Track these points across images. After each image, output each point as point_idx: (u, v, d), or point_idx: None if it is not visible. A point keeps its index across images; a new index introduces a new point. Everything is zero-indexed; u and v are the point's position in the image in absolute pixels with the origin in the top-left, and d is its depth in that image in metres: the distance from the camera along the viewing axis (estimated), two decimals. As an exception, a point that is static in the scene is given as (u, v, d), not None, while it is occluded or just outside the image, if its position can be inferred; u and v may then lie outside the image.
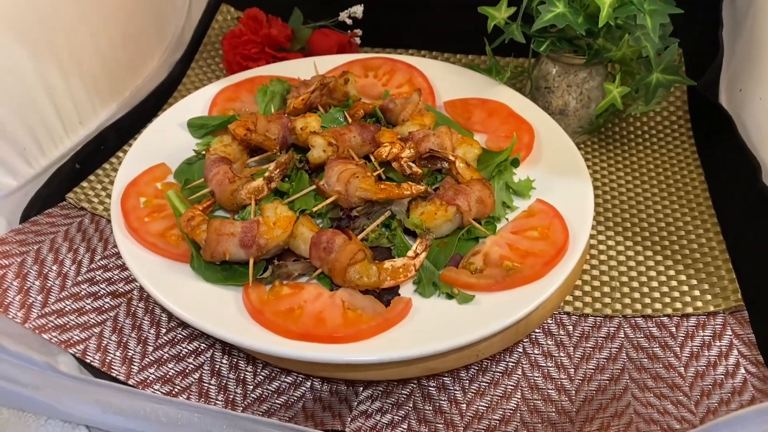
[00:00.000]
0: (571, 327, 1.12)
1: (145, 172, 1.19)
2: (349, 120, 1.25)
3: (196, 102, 1.36)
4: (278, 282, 1.02)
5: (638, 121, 1.53)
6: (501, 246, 1.07)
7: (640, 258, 1.22)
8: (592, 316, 1.13)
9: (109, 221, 1.23)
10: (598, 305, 1.14)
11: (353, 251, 1.00)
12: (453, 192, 1.08)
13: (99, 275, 1.16)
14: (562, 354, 1.08)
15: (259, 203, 1.09)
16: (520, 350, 1.08)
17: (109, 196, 1.29)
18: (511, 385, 1.04)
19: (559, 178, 1.19)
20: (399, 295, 1.02)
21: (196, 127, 1.29)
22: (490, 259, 1.05)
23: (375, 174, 1.12)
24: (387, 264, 1.02)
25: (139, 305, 1.12)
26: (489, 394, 1.03)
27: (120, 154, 1.40)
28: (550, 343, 1.10)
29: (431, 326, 0.96)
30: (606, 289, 1.17)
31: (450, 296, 1.01)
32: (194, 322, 0.96)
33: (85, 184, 1.32)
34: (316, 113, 1.27)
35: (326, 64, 1.45)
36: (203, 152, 1.23)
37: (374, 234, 1.07)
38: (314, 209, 1.08)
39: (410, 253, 1.03)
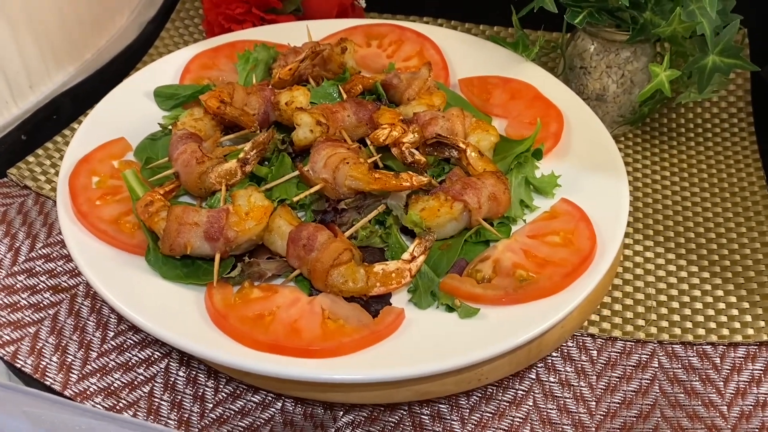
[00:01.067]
0: (595, 352, 1.10)
1: (101, 147, 1.18)
2: (344, 96, 1.24)
3: (167, 68, 1.36)
4: (248, 283, 1.01)
5: (690, 112, 1.51)
6: (515, 252, 1.06)
7: (683, 274, 1.20)
8: (621, 340, 1.11)
9: (56, 203, 1.22)
10: (629, 328, 1.13)
11: (338, 251, 0.99)
12: (461, 186, 1.07)
13: (39, 266, 1.15)
14: (582, 384, 1.06)
15: (231, 189, 1.08)
16: (533, 376, 1.07)
17: (58, 173, 1.28)
18: (520, 418, 1.02)
19: (590, 175, 1.17)
20: (390, 304, 1.00)
21: (165, 97, 1.29)
22: (500, 266, 1.04)
23: (370, 161, 1.11)
24: (378, 267, 1.01)
25: (85, 303, 1.11)
26: (492, 426, 1.01)
27: (75, 125, 1.39)
28: (569, 369, 1.08)
29: (426, 343, 0.95)
30: (640, 309, 1.15)
31: (450, 308, 0.99)
32: (146, 326, 0.95)
33: (30, 158, 1.32)
34: (306, 86, 1.26)
35: (323, 29, 1.44)
36: (170, 127, 1.22)
37: (365, 231, 1.06)
38: (295, 199, 1.07)
39: (406, 255, 1.02)
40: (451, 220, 1.06)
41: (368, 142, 1.18)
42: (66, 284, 1.13)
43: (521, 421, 1.02)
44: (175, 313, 0.97)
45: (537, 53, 1.39)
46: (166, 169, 1.14)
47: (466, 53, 1.41)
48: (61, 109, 1.39)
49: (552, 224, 1.10)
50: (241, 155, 1.10)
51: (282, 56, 1.32)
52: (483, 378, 0.99)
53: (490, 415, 1.03)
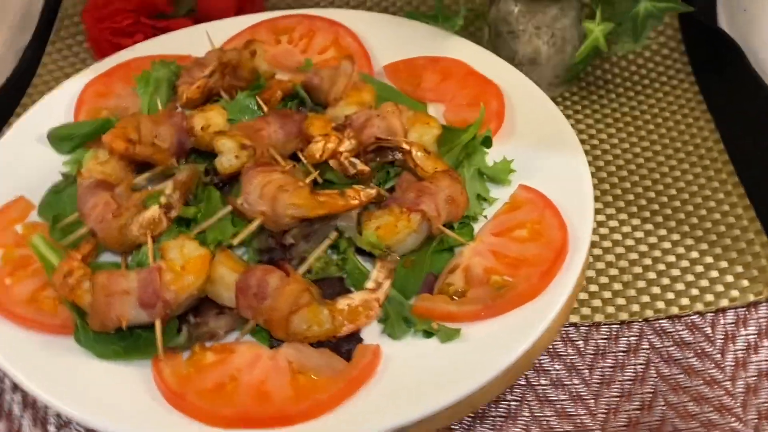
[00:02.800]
0: (581, 342, 1.03)
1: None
2: (264, 108, 1.11)
3: (57, 103, 1.19)
4: (199, 347, 0.88)
5: (623, 60, 1.43)
6: (483, 255, 0.96)
7: (653, 240, 1.13)
8: (605, 324, 1.04)
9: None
10: (610, 309, 1.06)
11: (294, 294, 0.87)
12: (415, 194, 0.96)
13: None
14: (575, 381, 0.99)
15: (158, 240, 0.95)
16: (523, 383, 0.99)
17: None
18: (519, 433, 0.94)
19: (543, 153, 1.08)
20: (362, 340, 0.90)
21: (60, 138, 1.13)
22: (472, 275, 0.94)
23: (309, 180, 0.99)
24: (341, 303, 0.90)
25: (15, 398, 0.97)
26: (492, 449, 0.93)
27: None
28: (558, 367, 1.00)
29: (410, 380, 0.85)
30: (617, 287, 1.08)
31: (429, 333, 0.89)
32: (86, 420, 0.82)
33: None
34: (219, 102, 1.12)
35: (223, 31, 1.30)
36: (75, 174, 1.06)
37: (319, 263, 0.94)
38: (235, 241, 0.94)
39: (370, 284, 0.91)
40: (411, 234, 0.95)
41: (302, 158, 1.06)
42: (-12, 380, 0.98)
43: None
44: (119, 398, 0.85)
45: (460, 25, 1.28)
46: (77, 226, 0.99)
47: (386, 36, 1.28)
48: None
49: (516, 216, 1.01)
50: (163, 200, 0.96)
51: (185, 71, 1.17)
52: (475, 404, 0.90)
53: (487, 436, 0.94)
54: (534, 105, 1.15)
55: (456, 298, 0.92)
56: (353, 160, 1.01)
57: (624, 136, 1.30)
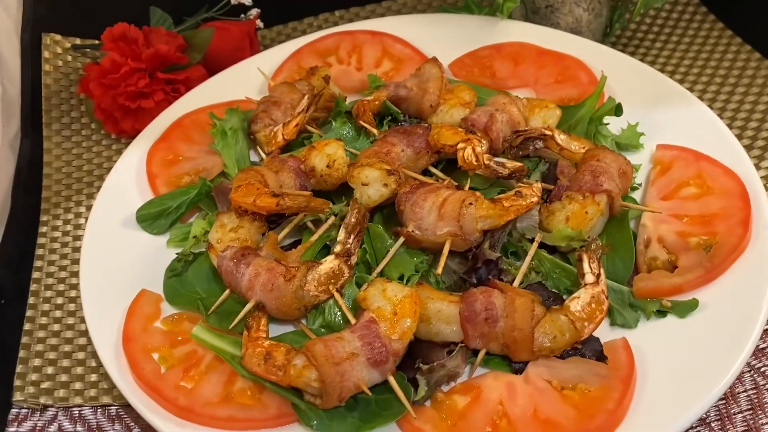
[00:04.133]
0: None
1: (129, 314, 0.88)
2: (375, 132, 1.01)
3: (122, 185, 1.05)
4: (441, 393, 0.79)
5: (637, 16, 1.43)
6: (666, 221, 0.92)
7: (762, 173, 1.12)
8: None
9: (96, 407, 0.90)
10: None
11: (527, 307, 0.80)
12: (590, 175, 0.91)
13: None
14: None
15: (342, 292, 0.84)
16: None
17: (65, 370, 0.94)
18: (753, 391, 0.90)
19: (658, 110, 1.06)
20: (599, 339, 0.83)
21: (152, 218, 0.99)
22: (669, 243, 0.90)
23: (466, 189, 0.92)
24: (573, 305, 0.82)
25: None
26: (736, 414, 0.88)
27: (35, 301, 1.02)
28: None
29: (675, 365, 0.80)
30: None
31: (662, 312, 0.84)
32: None
33: (21, 370, 0.94)
34: (313, 138, 1.03)
35: (266, 64, 1.20)
36: (192, 252, 0.93)
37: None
38: (439, 271, 0.84)
39: (589, 278, 0.84)
40: (600, 217, 0.90)
41: (435, 173, 0.98)
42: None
43: (755, 391, 0.90)
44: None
45: (512, 7, 1.22)
46: (235, 306, 0.86)
47: (433, 35, 1.22)
48: (4, 288, 1.03)
49: (673, 176, 0.98)
50: (338, 249, 0.85)
51: (261, 113, 1.06)
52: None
53: (723, 403, 0.90)
54: (619, 66, 1.13)
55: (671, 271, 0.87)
56: (499, 160, 0.94)
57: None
